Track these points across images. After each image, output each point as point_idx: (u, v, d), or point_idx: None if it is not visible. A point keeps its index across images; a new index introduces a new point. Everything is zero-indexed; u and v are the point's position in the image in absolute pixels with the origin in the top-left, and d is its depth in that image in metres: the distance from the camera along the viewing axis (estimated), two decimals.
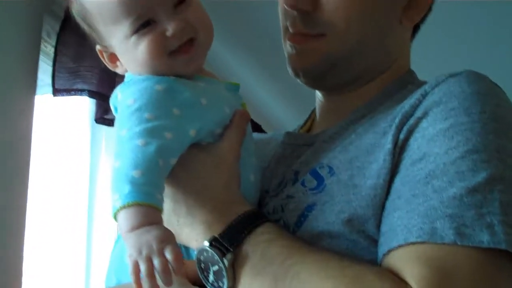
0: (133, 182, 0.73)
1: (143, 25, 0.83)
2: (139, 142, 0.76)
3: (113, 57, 0.91)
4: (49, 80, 1.93)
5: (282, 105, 3.44)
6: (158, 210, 0.74)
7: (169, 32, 0.83)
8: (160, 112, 0.80)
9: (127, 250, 0.72)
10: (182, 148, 0.81)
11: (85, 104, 2.22)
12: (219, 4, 2.64)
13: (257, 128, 3.08)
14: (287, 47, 0.98)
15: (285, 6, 0.94)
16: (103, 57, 0.92)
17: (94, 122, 2.09)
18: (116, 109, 0.86)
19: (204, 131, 0.84)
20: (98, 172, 2.26)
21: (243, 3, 2.66)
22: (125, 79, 0.89)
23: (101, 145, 2.28)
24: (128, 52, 0.86)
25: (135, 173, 0.73)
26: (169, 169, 0.79)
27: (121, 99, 0.83)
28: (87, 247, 2.22)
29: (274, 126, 3.47)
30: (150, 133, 0.77)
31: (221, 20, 2.69)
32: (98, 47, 0.92)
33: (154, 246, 0.70)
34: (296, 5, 0.93)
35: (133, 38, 0.84)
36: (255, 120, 3.06)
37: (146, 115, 0.79)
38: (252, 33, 2.85)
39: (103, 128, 2.20)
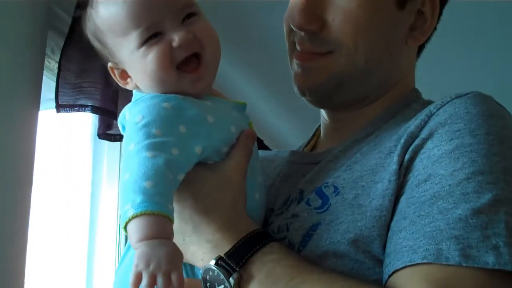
0: (145, 192, 0.73)
1: (151, 36, 0.85)
2: (147, 154, 0.77)
3: (124, 74, 0.92)
4: (52, 95, 1.94)
5: (286, 122, 3.44)
6: (170, 220, 0.74)
7: (175, 43, 0.84)
8: (167, 128, 0.80)
9: (134, 259, 0.72)
10: (188, 165, 0.82)
11: (87, 119, 2.23)
12: (226, 22, 2.67)
13: (259, 143, 3.09)
14: (293, 65, 0.99)
15: (292, 27, 0.95)
16: (114, 75, 0.93)
17: (97, 137, 2.09)
18: (124, 127, 0.86)
19: (210, 149, 0.85)
20: (100, 187, 2.26)
21: (249, 21, 2.68)
22: (133, 97, 0.90)
23: (103, 160, 2.29)
24: (137, 64, 0.87)
25: (147, 184, 0.74)
26: (177, 185, 0.79)
27: (129, 117, 0.83)
28: (88, 261, 2.22)
29: (279, 143, 3.48)
30: (157, 147, 0.78)
31: (226, 37, 2.72)
32: (109, 64, 0.93)
33: (163, 265, 0.70)
34: (303, 26, 0.93)
35: (142, 49, 0.85)
36: (260, 136, 3.07)
37: (154, 130, 0.79)
38: (257, 50, 2.86)
39: (106, 143, 2.20)
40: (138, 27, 0.84)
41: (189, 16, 0.87)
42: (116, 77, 0.93)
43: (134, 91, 0.92)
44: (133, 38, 0.85)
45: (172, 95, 0.84)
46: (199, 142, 0.82)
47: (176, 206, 0.81)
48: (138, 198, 0.73)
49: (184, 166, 0.81)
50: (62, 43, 1.94)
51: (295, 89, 0.99)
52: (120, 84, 0.94)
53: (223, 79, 2.79)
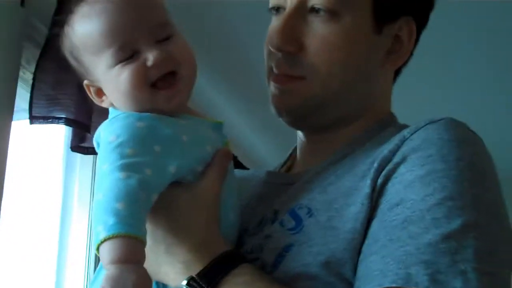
0: (118, 214, 0.73)
1: (126, 55, 0.85)
2: (120, 175, 0.76)
3: (100, 92, 0.91)
4: (26, 105, 1.92)
5: (262, 139, 3.46)
6: (143, 243, 0.74)
7: (149, 62, 0.84)
8: (141, 148, 0.80)
9: (102, 280, 0.71)
10: (163, 185, 0.81)
11: (61, 131, 2.21)
12: (206, 40, 2.68)
13: (233, 160, 3.09)
14: (270, 87, 1.00)
15: (270, 48, 0.96)
16: (90, 92, 0.93)
17: (69, 149, 2.07)
18: (98, 145, 0.86)
19: (185, 168, 0.84)
20: (71, 200, 2.24)
21: (229, 39, 2.69)
22: (110, 114, 0.90)
23: (75, 172, 2.27)
24: (111, 83, 0.87)
25: (119, 205, 0.73)
26: (150, 205, 0.78)
27: (103, 136, 0.83)
28: (57, 274, 2.19)
29: (253, 160, 3.48)
30: (131, 167, 0.77)
31: (206, 55, 2.73)
32: (85, 82, 0.92)
33: None
34: (280, 47, 0.95)
35: (116, 68, 0.85)
36: (234, 153, 3.06)
37: (128, 150, 0.79)
38: (235, 67, 2.87)
39: (78, 156, 2.18)
40: (112, 46, 0.84)
41: (165, 35, 0.87)
42: (91, 94, 0.93)
43: (110, 108, 0.91)
44: (107, 57, 0.85)
45: (147, 114, 0.84)
46: (173, 161, 0.82)
47: (149, 226, 0.80)
48: (111, 220, 0.72)
49: (158, 186, 0.80)
50: (38, 54, 1.93)
51: (272, 109, 1.00)
52: (96, 102, 0.93)
53: (200, 95, 2.80)
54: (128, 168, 0.77)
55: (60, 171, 2.23)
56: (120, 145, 0.80)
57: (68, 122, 1.92)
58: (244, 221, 0.94)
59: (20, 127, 2.00)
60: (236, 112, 3.21)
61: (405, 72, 1.06)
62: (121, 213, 0.73)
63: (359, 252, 0.79)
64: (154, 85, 0.85)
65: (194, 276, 0.78)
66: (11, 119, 1.87)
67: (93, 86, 0.92)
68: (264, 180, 1.03)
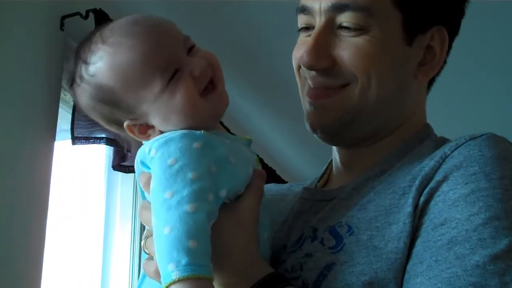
0: (190, 254, 0.73)
1: (172, 74, 0.85)
2: (188, 208, 0.76)
3: (143, 128, 0.89)
4: (67, 126, 1.97)
5: (299, 151, 3.45)
6: (212, 281, 0.75)
7: (196, 72, 0.85)
8: (201, 170, 0.80)
9: None
10: (217, 210, 0.81)
11: (102, 150, 2.25)
12: (239, 56, 2.70)
13: (271, 173, 3.10)
14: (305, 103, 0.99)
15: (302, 66, 0.96)
16: (133, 133, 0.89)
17: (111, 168, 2.11)
18: (143, 163, 0.85)
19: (233, 191, 0.85)
20: (114, 218, 2.27)
21: (261, 54, 2.71)
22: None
23: (117, 191, 2.30)
24: (165, 107, 0.85)
25: (191, 244, 0.73)
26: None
27: (159, 157, 0.81)
28: None
29: (291, 173, 3.48)
30: (197, 197, 0.77)
31: (239, 68, 2.76)
32: (126, 123, 0.88)
33: None
34: (313, 66, 0.94)
35: (168, 90, 0.84)
36: (272, 166, 3.08)
37: (190, 175, 0.78)
38: (269, 78, 2.88)
39: (119, 174, 2.22)
40: (158, 70, 0.84)
41: (191, 48, 0.89)
42: (135, 134, 0.90)
43: None
44: (156, 83, 0.84)
45: (199, 132, 0.84)
46: (225, 185, 0.82)
47: None
48: (184, 260, 0.73)
49: (216, 213, 0.80)
50: None
51: (307, 126, 0.99)
52: (141, 140, 0.90)
53: (237, 110, 2.83)
54: (194, 198, 0.77)
55: (102, 190, 2.28)
56: (181, 169, 0.79)
57: (108, 141, 1.95)
58: (282, 238, 0.94)
59: (63, 147, 2.04)
60: (274, 126, 3.22)
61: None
62: (193, 252, 0.73)
63: (402, 271, 0.77)
64: (201, 95, 0.86)
65: None
66: (54, 139, 1.92)
67: (135, 124, 0.89)
68: (300, 196, 1.02)
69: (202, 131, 0.84)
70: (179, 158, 0.80)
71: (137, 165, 0.88)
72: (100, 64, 0.85)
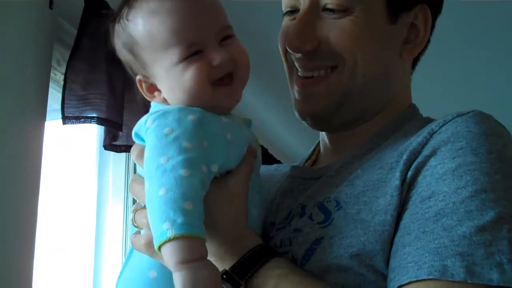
0: (186, 214, 0.74)
1: (192, 53, 0.87)
2: (183, 172, 0.77)
3: (152, 88, 0.93)
4: (58, 106, 1.96)
5: (291, 130, 3.45)
6: (205, 241, 0.76)
7: (215, 62, 0.87)
8: (195, 142, 0.82)
9: (178, 282, 0.73)
10: (209, 183, 0.83)
11: (93, 130, 2.24)
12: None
13: (264, 152, 3.10)
14: (294, 92, 1.01)
15: (289, 50, 0.97)
16: (142, 88, 0.94)
17: (102, 147, 2.11)
18: (137, 135, 0.88)
19: (225, 167, 0.86)
20: (106, 197, 2.28)
21: (254, 34, 2.69)
22: (152, 108, 0.92)
23: (108, 170, 2.30)
24: (174, 79, 0.88)
25: (187, 205, 0.75)
26: None
27: (155, 127, 0.84)
28: (94, 269, 2.23)
29: (284, 152, 3.49)
30: (191, 165, 0.79)
31: None
32: (138, 77, 0.94)
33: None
34: (300, 48, 0.95)
35: (181, 65, 0.87)
36: (264, 145, 3.08)
37: (185, 144, 0.80)
38: (263, 59, 2.87)
39: (111, 154, 2.21)
40: (182, 43, 0.86)
41: (226, 37, 0.89)
42: (143, 90, 0.94)
43: (152, 103, 0.94)
44: (174, 53, 0.87)
45: (196, 108, 0.86)
46: (217, 160, 0.84)
47: None
48: (180, 219, 0.74)
49: (208, 185, 0.82)
50: (67, 55, 1.96)
51: (296, 114, 1.01)
52: (147, 97, 0.95)
53: None
54: (189, 165, 0.78)
55: (94, 169, 2.27)
56: (177, 138, 0.81)
57: (100, 121, 1.95)
58: (271, 215, 0.95)
59: (53, 127, 2.03)
60: (266, 106, 3.22)
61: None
62: (189, 213, 0.75)
63: (390, 243, 0.79)
64: (213, 83, 0.87)
65: (228, 270, 0.80)
66: (44, 119, 1.91)
67: (146, 81, 0.93)
68: (289, 175, 1.04)
69: (199, 108, 0.86)
70: (175, 128, 0.82)
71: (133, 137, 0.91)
72: (138, 15, 0.89)
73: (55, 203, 2.11)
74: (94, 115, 1.94)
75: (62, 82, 1.96)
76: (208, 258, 0.81)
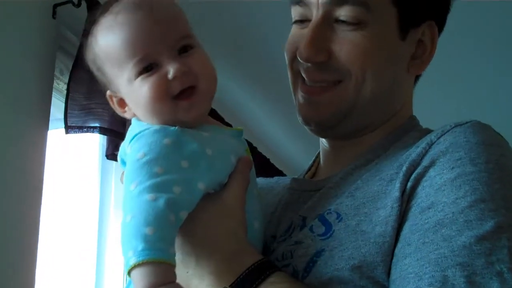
0: (146, 239, 0.73)
1: (147, 68, 0.85)
2: (148, 197, 0.76)
3: (122, 102, 0.92)
4: (60, 115, 1.96)
5: (293, 140, 3.45)
6: (172, 265, 0.75)
7: (170, 75, 0.84)
8: (169, 165, 0.80)
9: None
10: (193, 201, 0.81)
11: (96, 139, 2.25)
12: (235, 43, 2.69)
13: (265, 162, 3.10)
14: (298, 96, 0.99)
15: (300, 59, 0.96)
16: (113, 102, 0.93)
17: (105, 157, 2.11)
18: (123, 162, 0.86)
19: (213, 183, 0.85)
20: (108, 207, 2.28)
21: (257, 42, 2.70)
22: (131, 126, 0.90)
23: (111, 180, 2.30)
24: (133, 95, 0.87)
25: (148, 230, 0.74)
26: (180, 222, 0.79)
27: (130, 153, 0.83)
28: (96, 280, 2.22)
29: (285, 162, 3.48)
30: (159, 188, 0.77)
31: (236, 57, 2.75)
32: (108, 93, 0.93)
33: None
34: (310, 58, 0.94)
35: (137, 80, 0.86)
36: (266, 155, 3.08)
37: (156, 169, 0.79)
38: (264, 68, 2.88)
39: (113, 163, 2.22)
40: (133, 57, 0.85)
41: (186, 48, 0.87)
42: (114, 105, 0.93)
43: (133, 119, 0.92)
44: (128, 68, 0.86)
45: (173, 128, 0.84)
46: (202, 178, 0.82)
47: (178, 239, 0.81)
48: (140, 246, 0.73)
49: (188, 204, 0.80)
50: (70, 65, 1.97)
51: (300, 119, 1.00)
52: (118, 112, 0.94)
53: (229, 97, 2.82)
54: (156, 189, 0.77)
55: (97, 179, 2.27)
56: (148, 163, 0.80)
57: (102, 131, 1.95)
58: (272, 228, 0.95)
59: (56, 136, 2.04)
60: (269, 115, 3.22)
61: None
62: (149, 238, 0.73)
63: (391, 255, 0.79)
64: (174, 97, 0.86)
65: (227, 287, 0.79)
66: (47, 129, 1.92)
67: (115, 96, 0.92)
68: (289, 187, 1.03)
69: (176, 127, 0.84)
70: (147, 152, 0.81)
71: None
72: (98, 30, 0.89)
73: (57, 212, 2.11)
74: (97, 124, 1.95)
75: (65, 92, 1.97)
76: (207, 276, 0.80)
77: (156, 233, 0.74)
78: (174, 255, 0.76)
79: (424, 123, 1.02)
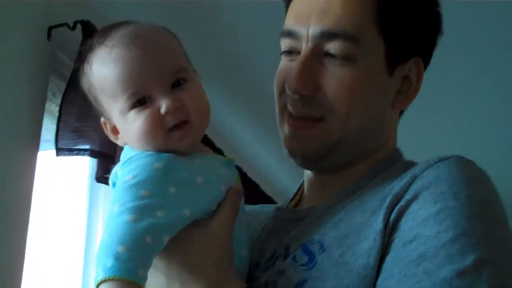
0: (117, 257, 0.73)
1: (140, 101, 0.86)
2: (129, 218, 0.77)
3: (115, 130, 0.93)
4: (51, 136, 1.97)
5: (284, 166, 3.46)
6: (138, 286, 0.74)
7: (163, 110, 0.85)
8: (156, 190, 0.81)
9: None
10: (177, 227, 0.82)
11: (85, 161, 2.24)
12: (228, 69, 2.71)
13: (255, 188, 3.10)
14: (284, 128, 1.00)
15: (288, 91, 0.97)
16: (106, 129, 0.94)
17: (94, 180, 2.11)
18: (114, 185, 0.87)
19: (199, 211, 0.85)
20: (96, 230, 2.26)
21: (245, 64, 2.72)
22: (124, 152, 0.91)
23: (99, 203, 2.29)
24: (126, 126, 0.88)
25: (120, 249, 0.74)
26: (161, 247, 0.79)
27: (121, 175, 0.84)
28: None
29: (276, 188, 3.48)
30: (141, 211, 0.78)
31: (227, 83, 2.77)
32: (102, 119, 0.94)
33: None
34: (298, 91, 0.95)
35: (131, 113, 0.87)
36: (256, 181, 3.08)
37: (142, 192, 0.80)
38: (256, 94, 2.89)
39: (103, 186, 2.21)
40: (126, 91, 0.86)
41: (179, 82, 0.88)
42: (108, 131, 0.95)
43: (125, 146, 0.93)
44: (122, 101, 0.87)
45: (165, 154, 0.85)
46: (188, 205, 0.83)
47: (163, 263, 0.82)
48: (109, 262, 0.73)
49: (171, 229, 0.80)
50: (63, 87, 1.97)
51: (285, 151, 1.00)
52: (112, 139, 0.95)
53: (220, 121, 2.83)
54: (138, 211, 0.78)
55: (85, 202, 2.26)
56: (135, 185, 0.80)
57: (93, 153, 1.95)
58: (255, 256, 0.95)
59: (46, 157, 2.04)
60: (261, 142, 3.23)
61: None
62: (120, 256, 0.73)
63: (373, 286, 0.79)
64: (169, 129, 0.87)
65: None
66: (37, 150, 1.92)
67: (109, 123, 0.93)
68: (273, 215, 1.03)
69: (169, 154, 0.85)
70: (136, 175, 0.82)
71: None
72: (93, 61, 0.90)
73: (45, 233, 2.10)
74: (87, 147, 1.95)
75: (56, 114, 1.97)
76: None
77: (129, 253, 0.74)
78: (144, 278, 0.75)
79: (407, 155, 1.03)
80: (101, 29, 0.94)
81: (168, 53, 0.90)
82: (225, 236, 0.86)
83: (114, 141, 0.95)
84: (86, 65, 0.92)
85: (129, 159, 0.86)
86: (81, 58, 0.95)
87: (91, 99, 0.94)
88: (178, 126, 0.87)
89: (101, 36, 0.90)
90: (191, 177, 0.85)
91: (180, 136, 0.87)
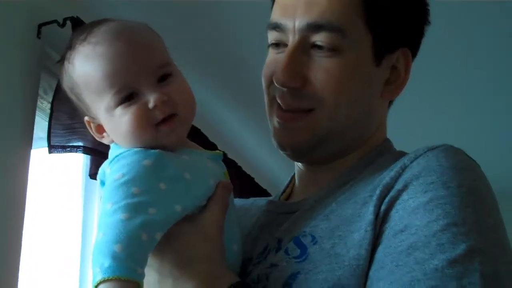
0: (114, 257, 0.73)
1: (127, 97, 0.86)
2: (122, 216, 0.76)
3: (100, 128, 0.92)
4: (44, 134, 1.96)
5: (278, 158, 3.46)
6: (138, 285, 0.74)
7: (151, 104, 0.85)
8: (146, 187, 0.81)
9: None
10: (168, 223, 0.81)
11: (79, 158, 2.24)
12: (216, 60, 2.71)
13: (250, 180, 3.11)
14: (273, 121, 1.00)
15: (276, 84, 0.97)
16: (91, 128, 0.94)
17: (88, 177, 2.11)
18: (103, 183, 0.87)
19: (190, 206, 0.85)
20: (91, 226, 2.27)
21: (237, 59, 2.72)
22: (111, 150, 0.91)
23: (94, 199, 2.30)
24: (113, 123, 0.88)
25: (117, 248, 0.74)
26: (154, 244, 0.79)
27: (109, 174, 0.83)
28: None
29: (270, 180, 3.49)
30: (134, 208, 0.78)
31: (218, 76, 2.77)
32: (86, 118, 0.93)
33: None
34: (286, 83, 0.95)
35: (118, 109, 0.86)
36: (251, 174, 3.08)
37: (133, 190, 0.79)
38: (248, 87, 2.89)
39: (97, 183, 2.21)
40: (112, 87, 0.85)
41: (165, 76, 0.88)
42: (92, 130, 0.94)
43: (112, 144, 0.92)
44: (108, 98, 0.86)
45: (153, 151, 0.85)
46: (179, 200, 0.83)
47: (155, 260, 0.82)
48: (107, 262, 0.73)
49: (163, 225, 0.80)
50: (54, 84, 1.97)
51: (275, 144, 1.00)
52: (97, 138, 0.94)
53: (214, 115, 2.83)
54: (131, 209, 0.78)
55: (80, 198, 2.27)
56: (125, 183, 0.80)
57: (86, 150, 1.95)
58: (247, 250, 0.95)
59: (39, 155, 2.04)
60: (255, 135, 3.23)
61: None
62: (118, 255, 0.73)
63: (365, 277, 0.79)
64: (156, 124, 0.87)
65: None
66: (30, 148, 1.92)
67: (94, 122, 0.92)
68: (264, 209, 1.04)
69: (156, 151, 0.85)
70: (126, 173, 0.82)
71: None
72: (75, 58, 0.89)
73: (40, 231, 2.10)
74: (80, 144, 1.95)
75: (48, 111, 1.96)
76: None
77: (125, 251, 0.74)
78: (143, 275, 0.76)
79: (397, 146, 1.04)
80: (79, 28, 0.93)
81: (153, 48, 0.90)
82: (216, 232, 0.86)
83: (99, 140, 0.93)
84: (67, 64, 0.91)
85: (116, 156, 0.86)
86: (62, 57, 0.93)
87: (74, 98, 0.93)
88: (165, 120, 0.87)
89: (81, 34, 0.90)
90: (179, 173, 0.85)
91: (168, 131, 0.87)
